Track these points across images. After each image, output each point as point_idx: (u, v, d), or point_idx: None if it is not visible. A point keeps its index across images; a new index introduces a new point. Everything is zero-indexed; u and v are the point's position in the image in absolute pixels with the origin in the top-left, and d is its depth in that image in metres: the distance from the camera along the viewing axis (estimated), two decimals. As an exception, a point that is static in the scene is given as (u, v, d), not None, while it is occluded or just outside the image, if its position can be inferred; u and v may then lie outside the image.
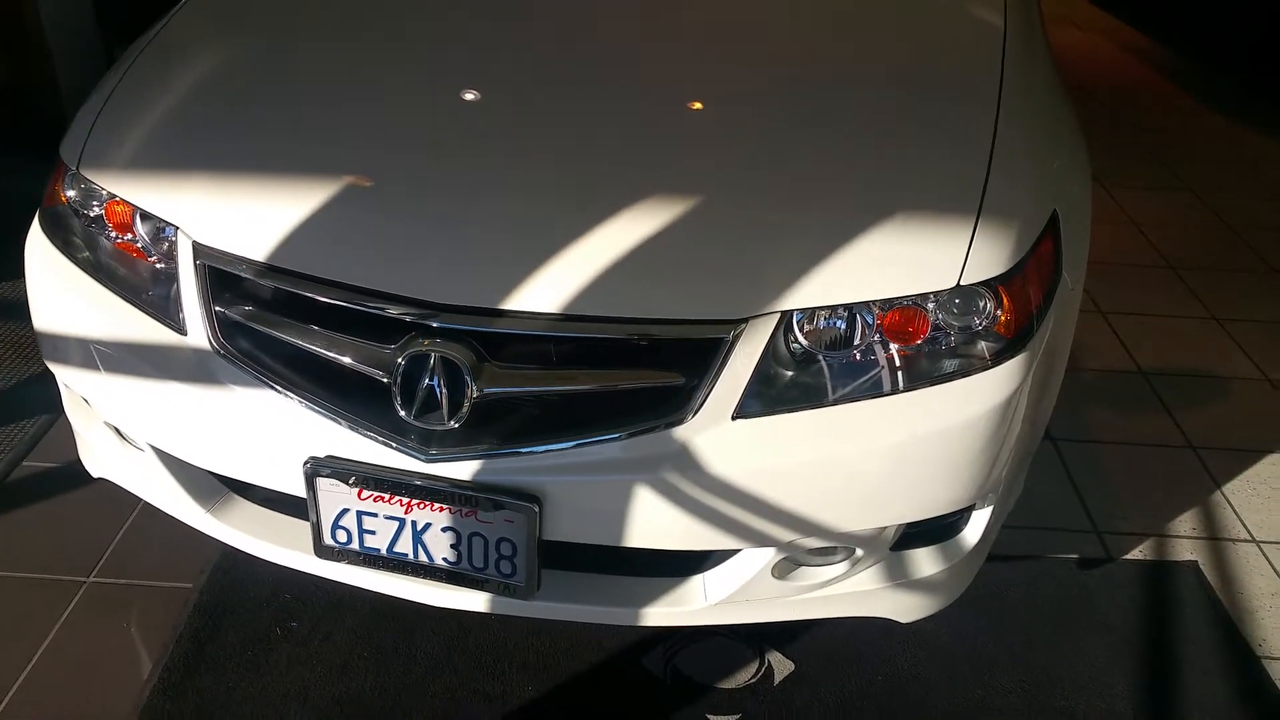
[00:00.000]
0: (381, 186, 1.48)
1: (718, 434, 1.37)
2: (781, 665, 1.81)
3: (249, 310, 1.46)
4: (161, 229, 1.52)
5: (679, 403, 1.37)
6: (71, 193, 1.62)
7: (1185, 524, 2.24)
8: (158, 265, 1.53)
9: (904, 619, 1.65)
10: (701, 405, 1.37)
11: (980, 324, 1.46)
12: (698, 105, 1.66)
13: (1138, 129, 4.71)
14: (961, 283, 1.42)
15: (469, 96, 1.63)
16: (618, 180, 1.47)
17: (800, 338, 1.42)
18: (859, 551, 1.52)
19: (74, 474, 1.89)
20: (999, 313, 1.46)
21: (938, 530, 1.60)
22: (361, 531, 1.44)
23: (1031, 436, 1.65)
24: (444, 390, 1.35)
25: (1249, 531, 2.23)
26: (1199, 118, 4.96)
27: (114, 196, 1.55)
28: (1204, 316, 3.11)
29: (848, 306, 1.41)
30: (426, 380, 1.35)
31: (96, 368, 1.57)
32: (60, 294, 1.59)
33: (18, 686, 1.70)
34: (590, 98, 1.66)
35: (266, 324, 1.44)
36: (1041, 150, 1.70)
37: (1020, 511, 2.21)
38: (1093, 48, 6.05)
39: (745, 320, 1.37)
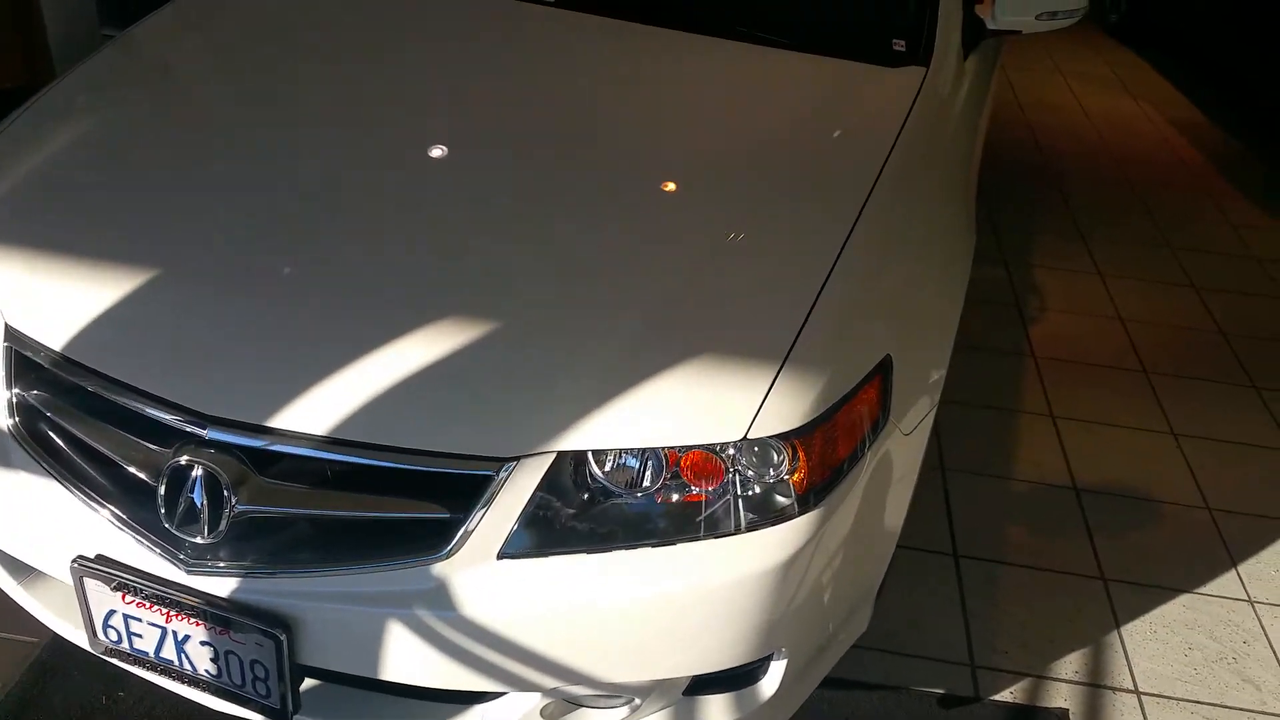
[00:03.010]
0: (179, 291, 1.48)
1: (480, 573, 1.34)
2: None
3: (45, 397, 1.47)
4: None
5: (442, 538, 1.35)
6: None
7: (1069, 665, 2.14)
8: None
9: (695, 766, 1.59)
10: (464, 542, 1.34)
11: (773, 477, 1.41)
12: (514, 226, 1.62)
13: (1157, 214, 4.52)
14: (749, 436, 1.37)
15: (292, 207, 1.62)
16: (410, 303, 1.45)
17: (586, 475, 1.38)
18: (638, 700, 1.47)
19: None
20: (793, 466, 1.41)
21: (733, 678, 1.54)
22: (130, 634, 1.44)
23: (853, 582, 1.59)
24: (204, 503, 1.34)
25: (1134, 680, 2.12)
26: (1231, 205, 4.71)
27: None
28: (1162, 430, 2.97)
29: (632, 450, 1.37)
30: (188, 491, 1.34)
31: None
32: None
33: None
34: (406, 216, 1.63)
35: (58, 413, 1.45)
36: (879, 294, 1.63)
37: (898, 634, 2.14)
38: (1138, 120, 5.80)
39: (515, 459, 1.34)
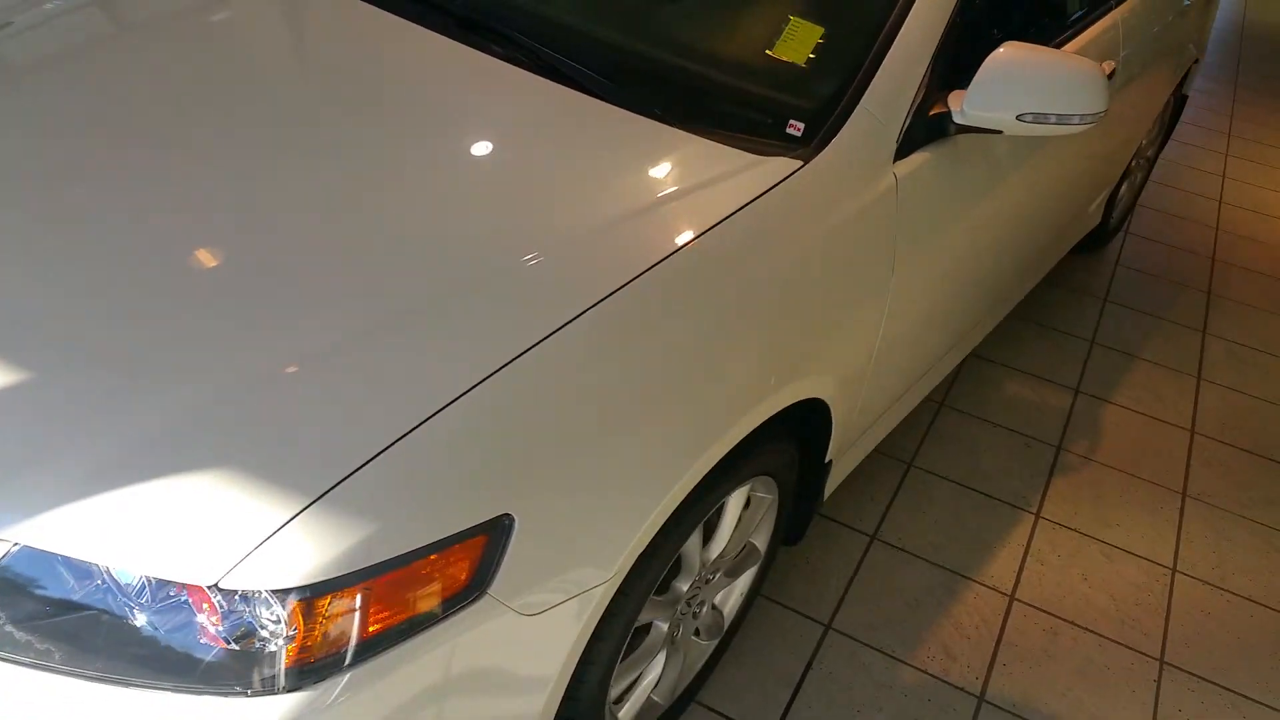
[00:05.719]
0: None
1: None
2: None
3: None
4: None
5: None
6: None
7: None
8: None
9: None
10: None
11: (262, 640, 1.14)
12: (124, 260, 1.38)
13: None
14: (223, 584, 1.11)
15: None
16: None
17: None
18: None
19: None
20: (289, 631, 1.13)
21: None
22: None
23: None
24: None
25: None
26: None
27: None
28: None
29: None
30: None
31: None
32: None
33: None
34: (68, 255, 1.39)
35: None
36: (528, 439, 1.28)
37: None
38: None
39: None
